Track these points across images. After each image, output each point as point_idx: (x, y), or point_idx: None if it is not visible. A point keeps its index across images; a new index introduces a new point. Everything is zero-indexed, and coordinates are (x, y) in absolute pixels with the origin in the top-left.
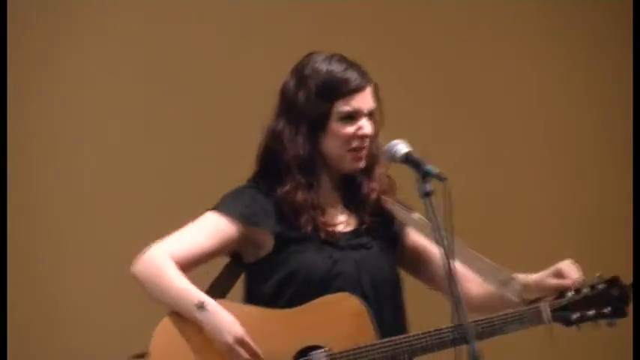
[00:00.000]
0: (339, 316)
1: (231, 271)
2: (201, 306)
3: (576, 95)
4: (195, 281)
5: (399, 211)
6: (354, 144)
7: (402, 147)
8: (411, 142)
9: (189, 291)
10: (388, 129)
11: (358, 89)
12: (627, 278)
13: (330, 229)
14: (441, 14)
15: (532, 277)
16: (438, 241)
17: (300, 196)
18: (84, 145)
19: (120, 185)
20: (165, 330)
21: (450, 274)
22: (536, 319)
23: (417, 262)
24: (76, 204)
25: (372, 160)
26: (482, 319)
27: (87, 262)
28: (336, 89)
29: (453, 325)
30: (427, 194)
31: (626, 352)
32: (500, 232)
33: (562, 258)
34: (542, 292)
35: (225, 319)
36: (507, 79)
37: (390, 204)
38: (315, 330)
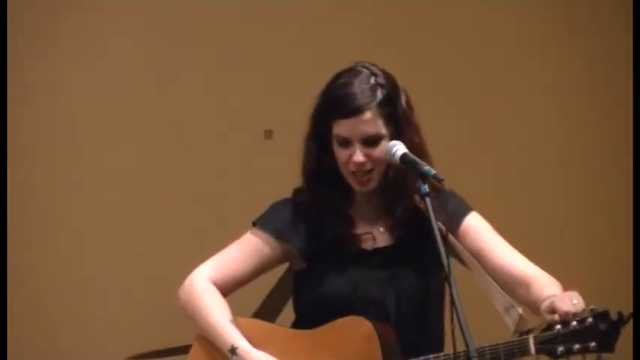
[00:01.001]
0: (350, 339)
1: (290, 275)
2: (233, 352)
3: (576, 95)
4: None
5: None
6: (351, 168)
7: (399, 148)
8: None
9: (223, 334)
10: None
11: (351, 114)
12: (627, 280)
13: (358, 244)
14: (440, 13)
15: (541, 307)
16: (437, 241)
17: (317, 207)
18: (84, 145)
19: (119, 184)
20: (197, 354)
21: (448, 276)
22: (523, 351)
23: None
24: (76, 203)
25: (399, 178)
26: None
27: (86, 261)
28: (332, 110)
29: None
30: (424, 195)
31: (626, 351)
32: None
33: (560, 259)
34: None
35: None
36: (507, 79)
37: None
38: (326, 352)
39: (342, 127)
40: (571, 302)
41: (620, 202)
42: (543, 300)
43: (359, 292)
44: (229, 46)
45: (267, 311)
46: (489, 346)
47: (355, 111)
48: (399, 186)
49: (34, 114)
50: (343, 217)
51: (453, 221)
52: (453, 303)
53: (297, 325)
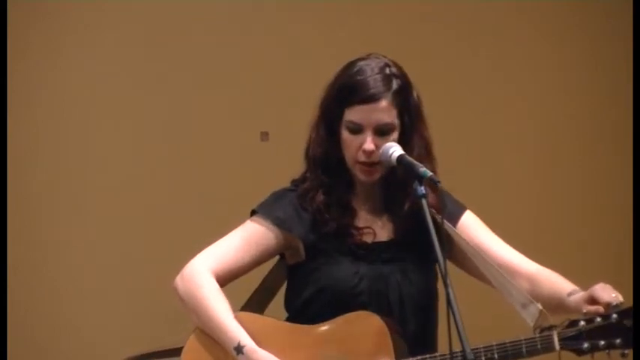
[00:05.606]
0: (360, 333)
1: (280, 270)
2: (239, 350)
3: (576, 95)
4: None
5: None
6: (360, 158)
7: (395, 150)
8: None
9: (227, 331)
10: None
11: (367, 100)
12: (627, 279)
13: (359, 237)
14: (440, 14)
15: (571, 301)
16: (436, 244)
17: (320, 196)
18: (82, 146)
19: (113, 186)
20: (194, 348)
21: (444, 279)
22: (547, 347)
23: (462, 263)
24: (75, 202)
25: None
26: (495, 345)
27: (84, 261)
28: (346, 95)
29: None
30: (421, 197)
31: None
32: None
33: (560, 258)
34: (576, 314)
35: (261, 358)
36: (506, 80)
37: (431, 212)
38: (335, 346)
39: (355, 114)
40: (611, 294)
41: (620, 201)
42: (570, 293)
43: (363, 284)
44: (226, 48)
45: (254, 307)
46: (510, 342)
47: (372, 97)
48: (406, 182)
49: (32, 113)
50: (346, 209)
51: (451, 220)
52: (449, 303)
53: (297, 319)
